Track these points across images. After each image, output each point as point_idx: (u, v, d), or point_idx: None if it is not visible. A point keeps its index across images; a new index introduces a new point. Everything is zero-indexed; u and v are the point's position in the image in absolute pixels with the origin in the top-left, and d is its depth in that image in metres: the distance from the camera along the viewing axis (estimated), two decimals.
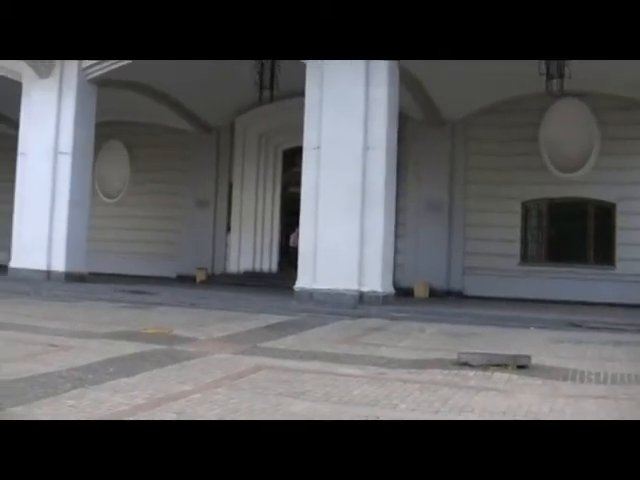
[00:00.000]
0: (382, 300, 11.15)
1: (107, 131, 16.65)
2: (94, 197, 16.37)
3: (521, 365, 5.61)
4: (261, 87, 14.41)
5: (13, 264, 13.83)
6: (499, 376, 5.31)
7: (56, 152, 13.66)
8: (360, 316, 9.94)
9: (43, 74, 13.66)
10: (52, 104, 13.62)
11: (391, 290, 11.80)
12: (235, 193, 17.56)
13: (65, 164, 13.61)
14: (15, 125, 14.55)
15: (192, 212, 17.89)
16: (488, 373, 5.38)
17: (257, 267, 17.21)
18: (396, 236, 13.54)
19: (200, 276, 16.80)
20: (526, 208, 15.84)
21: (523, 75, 12.83)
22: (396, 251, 13.90)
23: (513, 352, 6.08)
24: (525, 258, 15.71)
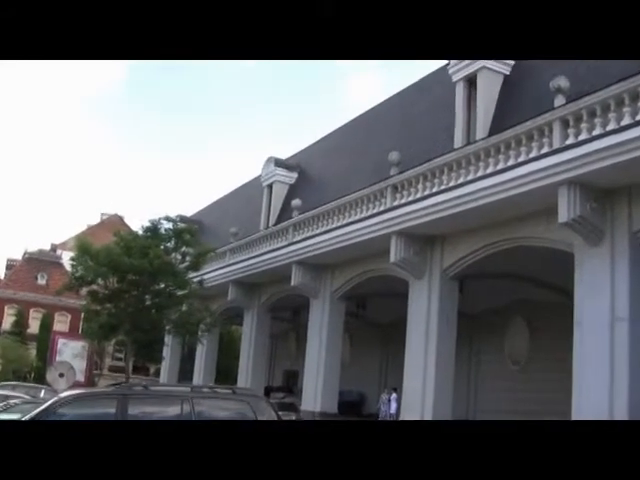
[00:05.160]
0: None
1: None
2: None
3: None
4: None
5: None
6: None
7: (613, 319, 14.28)
8: None
9: (594, 242, 14.83)
10: (605, 271, 14.52)
11: None
12: None
13: (623, 331, 14.10)
14: (564, 294, 15.80)
15: None
16: None
17: None
18: None
19: None
20: None
21: None
22: None
23: None
24: None
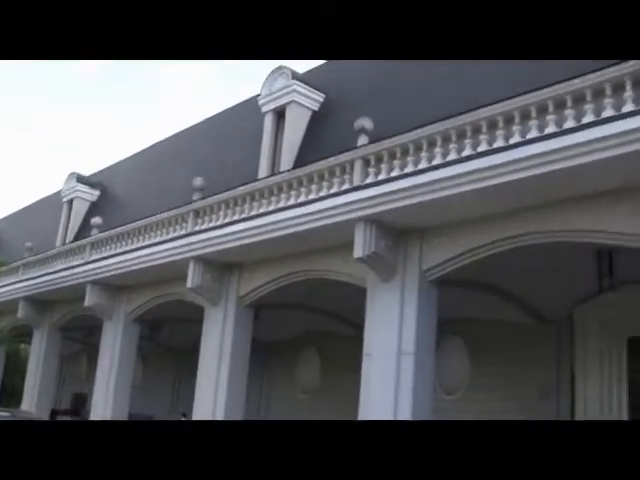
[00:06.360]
0: None
1: (447, 328, 17.56)
2: (435, 394, 17.03)
3: None
4: (600, 275, 14.61)
5: None
6: None
7: (399, 352, 14.48)
8: None
9: (386, 278, 15.00)
10: (395, 307, 14.71)
11: None
12: (578, 384, 17.30)
13: (408, 364, 14.31)
14: (355, 326, 15.97)
15: (533, 404, 17.86)
16: None
17: None
18: None
19: None
20: None
21: None
22: None
23: None
24: None
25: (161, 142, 30.12)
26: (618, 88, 11.32)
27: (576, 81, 11.76)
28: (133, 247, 21.34)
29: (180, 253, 19.12)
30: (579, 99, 11.75)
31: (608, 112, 11.16)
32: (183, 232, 19.40)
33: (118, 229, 22.60)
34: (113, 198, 29.67)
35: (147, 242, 20.80)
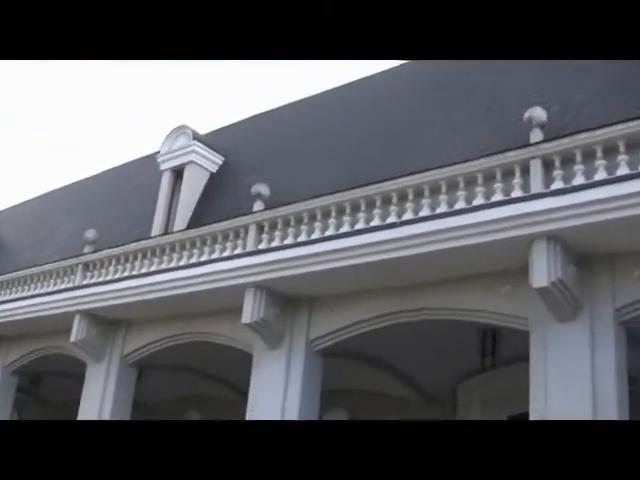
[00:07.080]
0: None
1: (331, 398, 17.43)
2: None
3: None
4: (483, 354, 14.89)
5: None
6: None
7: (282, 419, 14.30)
8: None
9: (273, 345, 14.82)
10: (280, 374, 14.52)
11: None
12: None
13: None
14: (240, 393, 15.65)
15: None
16: None
17: None
18: None
19: None
20: None
21: None
22: None
23: None
24: None
25: (56, 190, 29.41)
26: (506, 175, 11.80)
27: (473, 163, 12.26)
28: (16, 296, 20.47)
29: (66, 306, 18.40)
30: (470, 182, 12.15)
31: (498, 196, 11.66)
32: (70, 285, 18.78)
33: (2, 277, 21.70)
34: (1, 244, 28.65)
35: (32, 292, 20.01)
